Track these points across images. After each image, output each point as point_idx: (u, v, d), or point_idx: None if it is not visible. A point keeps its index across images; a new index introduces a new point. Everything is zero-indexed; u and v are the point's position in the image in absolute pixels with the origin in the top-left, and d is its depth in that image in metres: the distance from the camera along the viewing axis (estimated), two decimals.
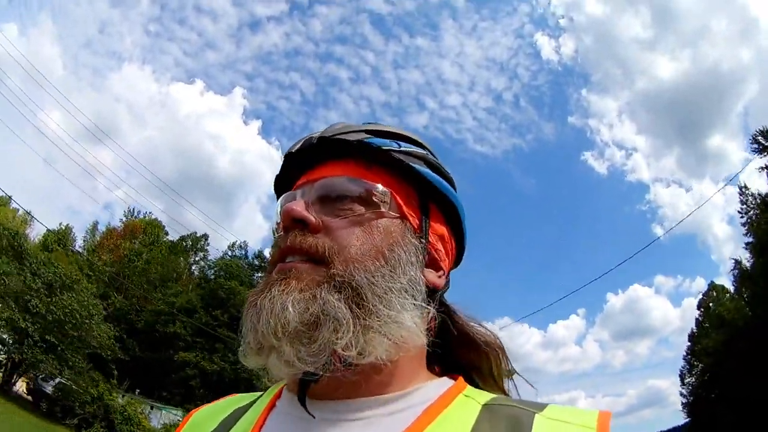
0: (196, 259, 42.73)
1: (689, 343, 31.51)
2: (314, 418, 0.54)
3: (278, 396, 0.64)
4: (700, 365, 29.13)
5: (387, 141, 0.64)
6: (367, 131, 0.64)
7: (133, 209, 44.10)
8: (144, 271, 35.99)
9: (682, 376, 31.56)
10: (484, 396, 0.59)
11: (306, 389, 0.55)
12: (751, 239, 24.63)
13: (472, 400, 0.57)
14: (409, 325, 0.56)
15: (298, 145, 0.66)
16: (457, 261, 0.72)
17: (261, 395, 0.68)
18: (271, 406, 0.63)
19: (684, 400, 30.82)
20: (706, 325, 29.77)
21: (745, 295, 25.72)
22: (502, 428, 0.52)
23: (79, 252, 38.99)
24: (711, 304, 30.86)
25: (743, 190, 26.00)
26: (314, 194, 0.61)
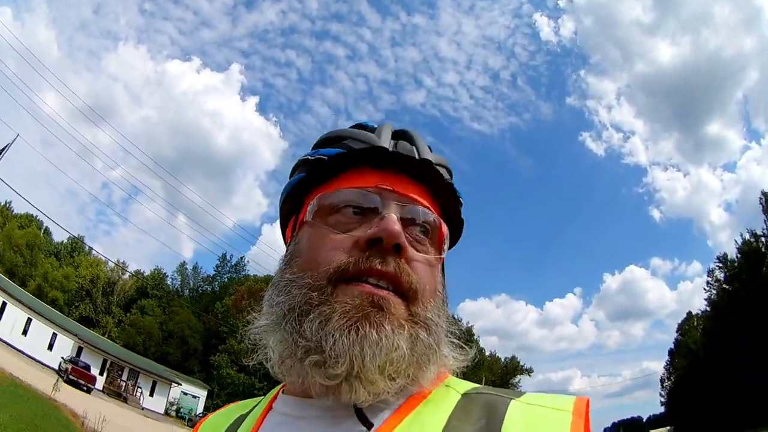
0: None
1: (668, 357, 45.42)
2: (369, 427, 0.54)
3: (275, 398, 0.65)
4: (675, 374, 42.85)
5: (458, 190, 0.68)
6: (447, 168, 0.67)
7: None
8: None
9: (662, 381, 45.81)
10: (465, 386, 0.61)
11: (362, 413, 0.55)
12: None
13: (452, 389, 0.60)
14: (451, 361, 0.61)
15: (386, 142, 0.63)
16: None
17: (261, 400, 0.70)
18: (269, 408, 0.64)
19: (662, 400, 47.11)
20: (681, 347, 43.23)
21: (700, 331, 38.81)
22: (478, 414, 0.54)
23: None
24: (686, 330, 44.05)
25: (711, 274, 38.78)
26: (401, 214, 0.60)
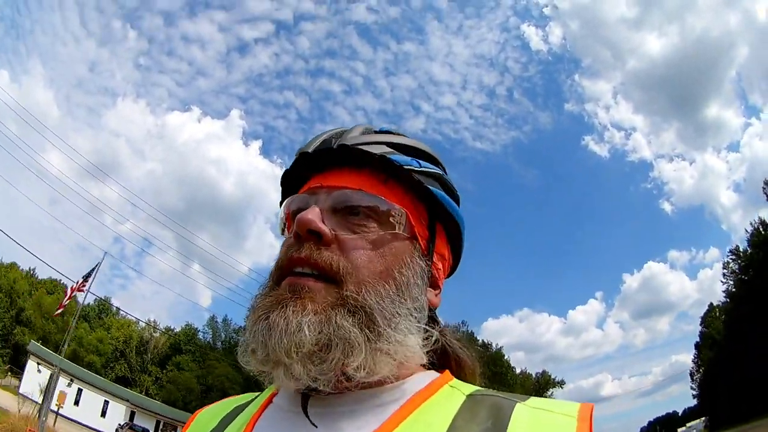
0: None
1: (695, 351, 46.05)
2: (316, 427, 0.55)
3: (276, 393, 0.66)
4: (703, 367, 43.53)
5: (408, 159, 0.65)
6: (389, 143, 0.65)
7: None
8: None
9: (692, 374, 46.43)
10: (470, 387, 0.61)
11: (307, 400, 0.57)
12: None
13: (456, 390, 0.60)
14: (414, 347, 0.58)
15: (315, 145, 0.65)
16: (450, 273, 0.74)
17: (259, 394, 0.70)
18: (268, 402, 0.65)
19: (694, 393, 47.44)
20: (707, 338, 44.05)
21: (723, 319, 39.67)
22: (484, 415, 0.54)
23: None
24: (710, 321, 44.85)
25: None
26: (328, 203, 0.61)
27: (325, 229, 0.58)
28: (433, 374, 0.63)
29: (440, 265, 0.68)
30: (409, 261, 0.62)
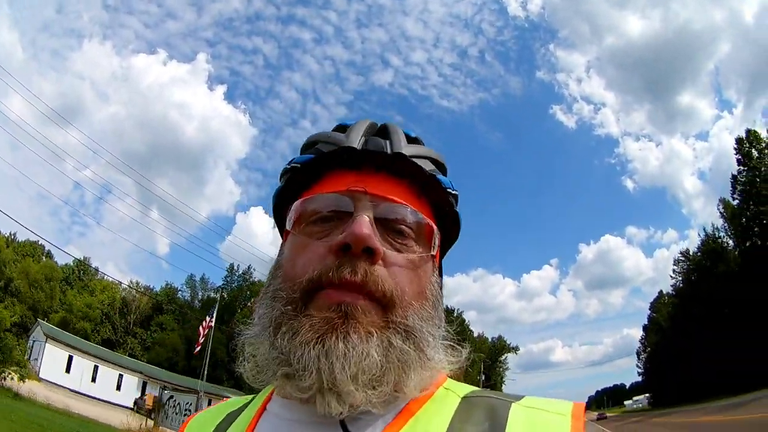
0: None
1: (643, 333, 52.84)
2: None
3: (269, 399, 0.64)
4: (648, 349, 50.20)
5: (447, 181, 0.65)
6: (432, 159, 0.65)
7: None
8: None
9: (638, 353, 53.70)
10: (464, 389, 0.61)
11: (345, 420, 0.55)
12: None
13: (451, 392, 0.60)
14: (444, 361, 0.60)
15: (359, 141, 0.62)
16: None
17: (252, 399, 0.68)
18: (263, 409, 0.63)
19: (639, 370, 54.28)
20: (654, 323, 50.61)
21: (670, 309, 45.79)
22: (480, 417, 0.54)
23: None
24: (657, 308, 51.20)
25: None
26: (373, 213, 0.58)
27: (381, 248, 0.56)
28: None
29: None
30: (434, 279, 0.63)
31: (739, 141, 38.26)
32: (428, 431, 0.54)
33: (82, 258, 59.96)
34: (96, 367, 33.40)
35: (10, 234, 53.17)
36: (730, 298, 33.63)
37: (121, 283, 58.02)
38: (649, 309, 55.08)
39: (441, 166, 0.66)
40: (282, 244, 0.67)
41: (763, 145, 36.69)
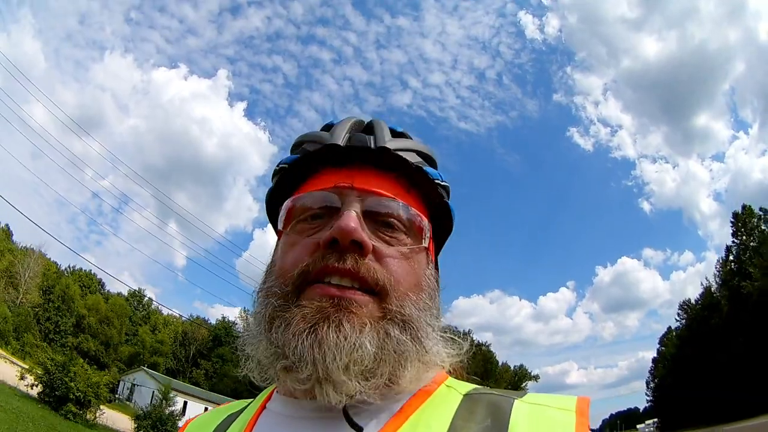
0: None
1: (652, 364, 57.85)
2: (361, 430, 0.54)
3: (269, 398, 0.65)
4: (657, 379, 54.90)
5: (435, 172, 0.66)
6: (418, 152, 0.65)
7: None
8: None
9: (647, 383, 58.90)
10: (466, 386, 0.61)
11: (349, 412, 0.55)
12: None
13: (453, 390, 0.60)
14: (443, 354, 0.61)
15: (343, 138, 0.63)
16: None
17: (252, 401, 0.69)
18: (262, 408, 0.64)
19: (648, 398, 58.25)
20: (662, 356, 55.23)
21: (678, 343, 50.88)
22: (483, 414, 0.54)
23: None
24: (667, 342, 55.74)
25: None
26: (361, 208, 0.59)
27: (368, 241, 0.57)
28: (430, 374, 0.63)
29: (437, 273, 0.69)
30: (428, 272, 0.64)
31: (735, 215, 42.66)
32: (430, 427, 0.54)
33: (137, 289, 63.10)
34: (186, 404, 37.07)
35: (68, 266, 55.58)
36: (722, 346, 38.23)
37: (182, 316, 63.17)
38: (658, 343, 58.62)
39: (429, 159, 0.68)
40: (275, 244, 0.69)
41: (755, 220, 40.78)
